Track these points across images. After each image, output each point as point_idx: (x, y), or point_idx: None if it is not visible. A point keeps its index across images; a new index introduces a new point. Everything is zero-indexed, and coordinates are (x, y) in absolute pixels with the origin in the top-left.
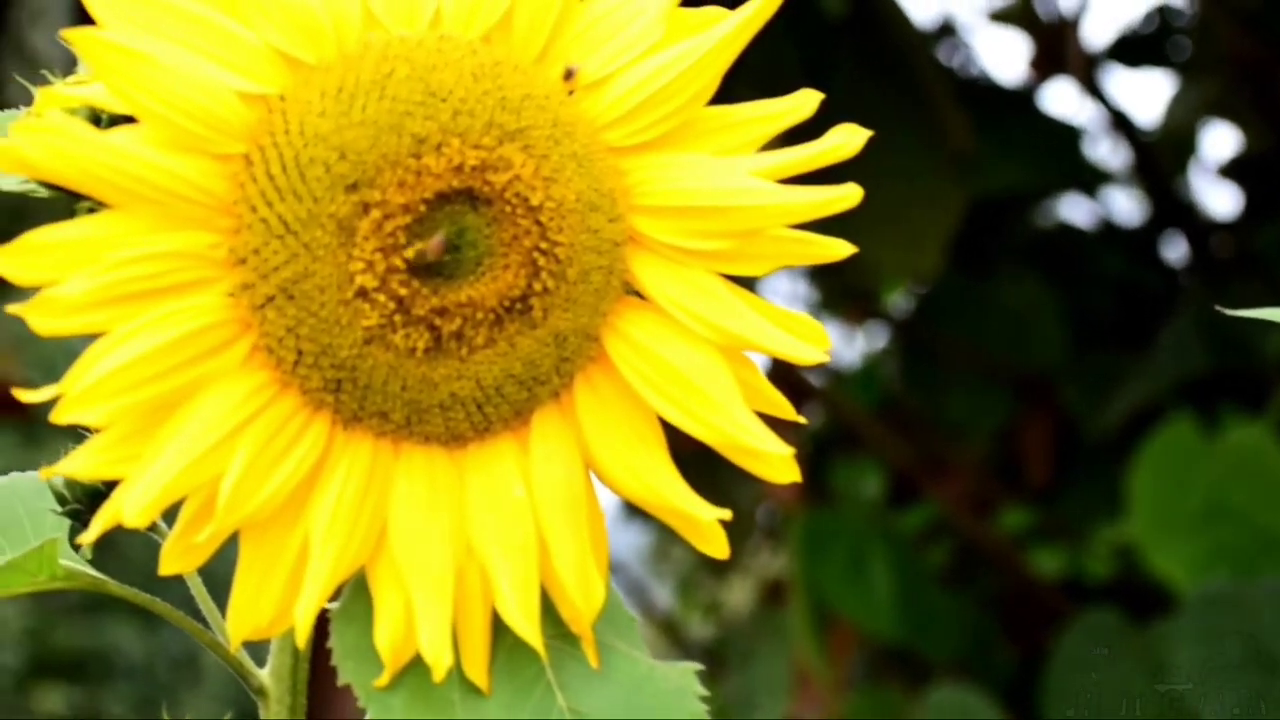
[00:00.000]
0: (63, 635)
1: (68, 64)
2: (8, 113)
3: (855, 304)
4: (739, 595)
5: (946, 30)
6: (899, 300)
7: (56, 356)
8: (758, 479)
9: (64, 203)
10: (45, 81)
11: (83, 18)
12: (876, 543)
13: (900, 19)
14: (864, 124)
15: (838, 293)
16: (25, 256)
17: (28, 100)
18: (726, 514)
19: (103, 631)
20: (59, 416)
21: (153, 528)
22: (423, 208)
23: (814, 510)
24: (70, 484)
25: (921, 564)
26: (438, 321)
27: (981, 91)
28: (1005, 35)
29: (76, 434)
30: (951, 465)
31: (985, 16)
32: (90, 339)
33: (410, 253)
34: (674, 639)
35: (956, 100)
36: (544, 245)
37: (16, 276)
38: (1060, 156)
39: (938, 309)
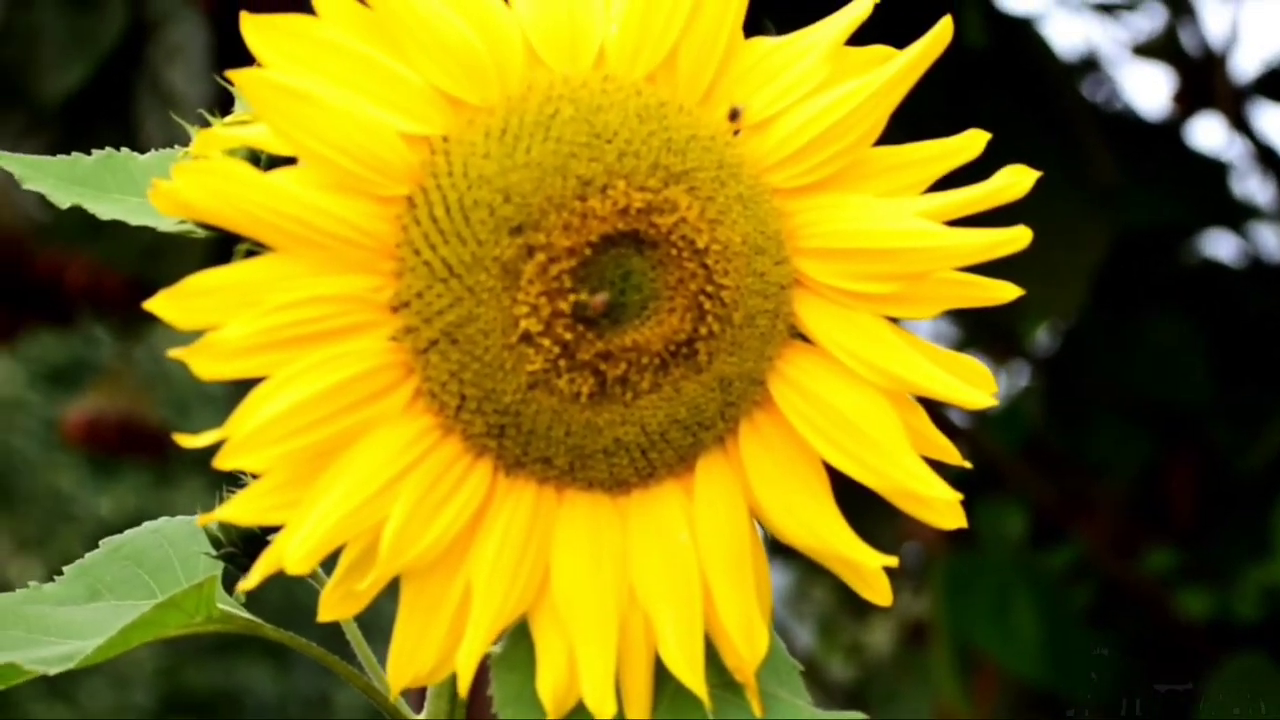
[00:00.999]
0: (194, 675)
1: (205, 102)
2: (164, 153)
3: (998, 342)
4: (880, 636)
5: (1090, 64)
6: (1042, 338)
7: (189, 397)
8: (904, 520)
9: (205, 244)
10: (181, 119)
11: (221, 56)
12: (1020, 584)
13: (1044, 51)
14: (1007, 158)
15: (981, 331)
16: (186, 300)
17: (164, 137)
18: (893, 561)
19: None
20: (222, 462)
21: (313, 575)
22: (588, 251)
23: (957, 551)
24: (225, 527)
25: (1066, 605)
26: (602, 366)
27: (1126, 126)
28: (1150, 69)
29: (210, 475)
30: (1096, 505)
31: (1129, 50)
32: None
33: (570, 302)
34: (815, 680)
35: (1100, 135)
36: (710, 289)
37: (177, 320)
38: (1206, 192)
39: (1081, 347)
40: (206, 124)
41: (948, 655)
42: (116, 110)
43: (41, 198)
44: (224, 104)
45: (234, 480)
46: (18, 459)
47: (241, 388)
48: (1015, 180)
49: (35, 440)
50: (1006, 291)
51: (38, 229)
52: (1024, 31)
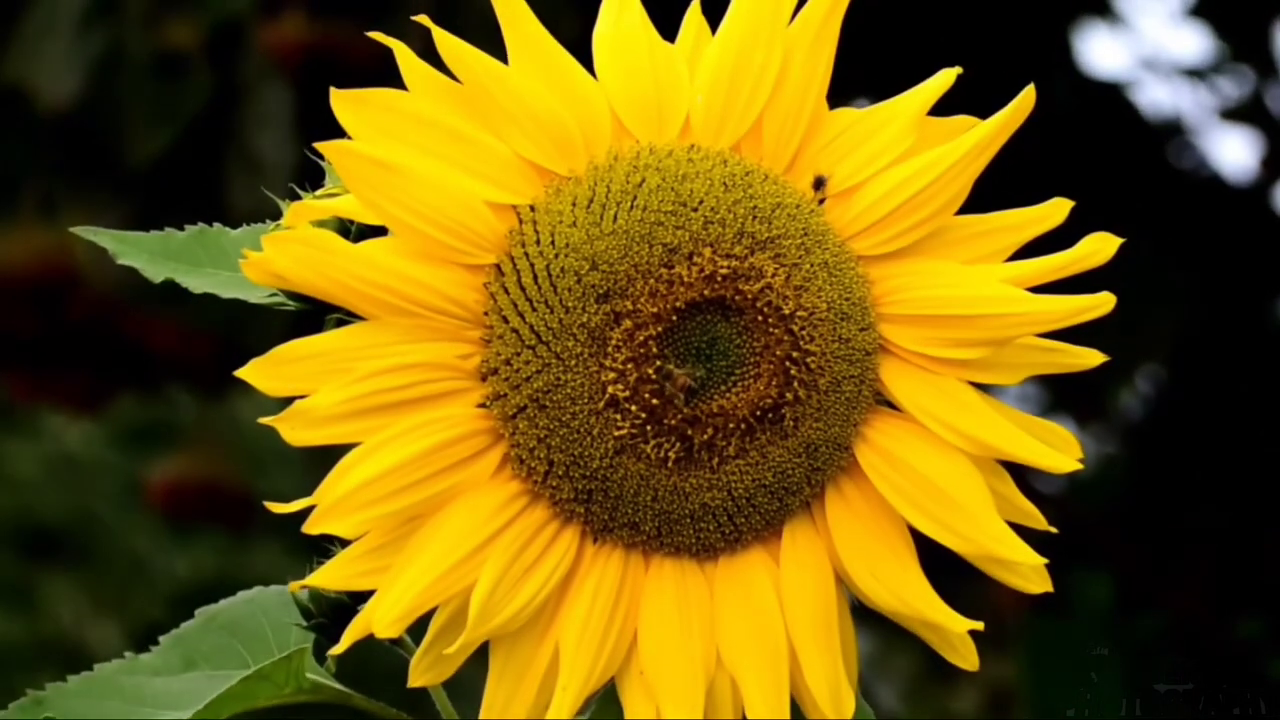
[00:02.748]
0: None
1: (292, 168)
2: (255, 227)
3: (1084, 407)
4: (966, 703)
5: (1177, 129)
6: (1129, 402)
7: (266, 459)
8: (990, 585)
9: (290, 311)
10: (269, 188)
11: (310, 123)
12: (1107, 652)
13: (1131, 116)
14: (1094, 221)
15: (1067, 395)
16: (277, 368)
17: (250, 204)
18: (979, 625)
19: None
20: (311, 528)
21: (397, 641)
22: (674, 317)
23: (1041, 618)
24: (316, 597)
25: (1154, 674)
26: (689, 431)
27: (1212, 190)
28: (1237, 134)
29: (289, 539)
30: (1186, 572)
31: (1215, 114)
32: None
33: (656, 367)
34: None
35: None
36: (796, 354)
37: (268, 387)
38: None
39: (1169, 412)
40: (295, 194)
41: None
42: (201, 177)
43: (125, 265)
44: (311, 170)
45: (313, 542)
46: (96, 520)
47: (320, 451)
48: (1099, 248)
49: (113, 502)
50: (1091, 358)
51: (126, 293)
52: (1111, 96)
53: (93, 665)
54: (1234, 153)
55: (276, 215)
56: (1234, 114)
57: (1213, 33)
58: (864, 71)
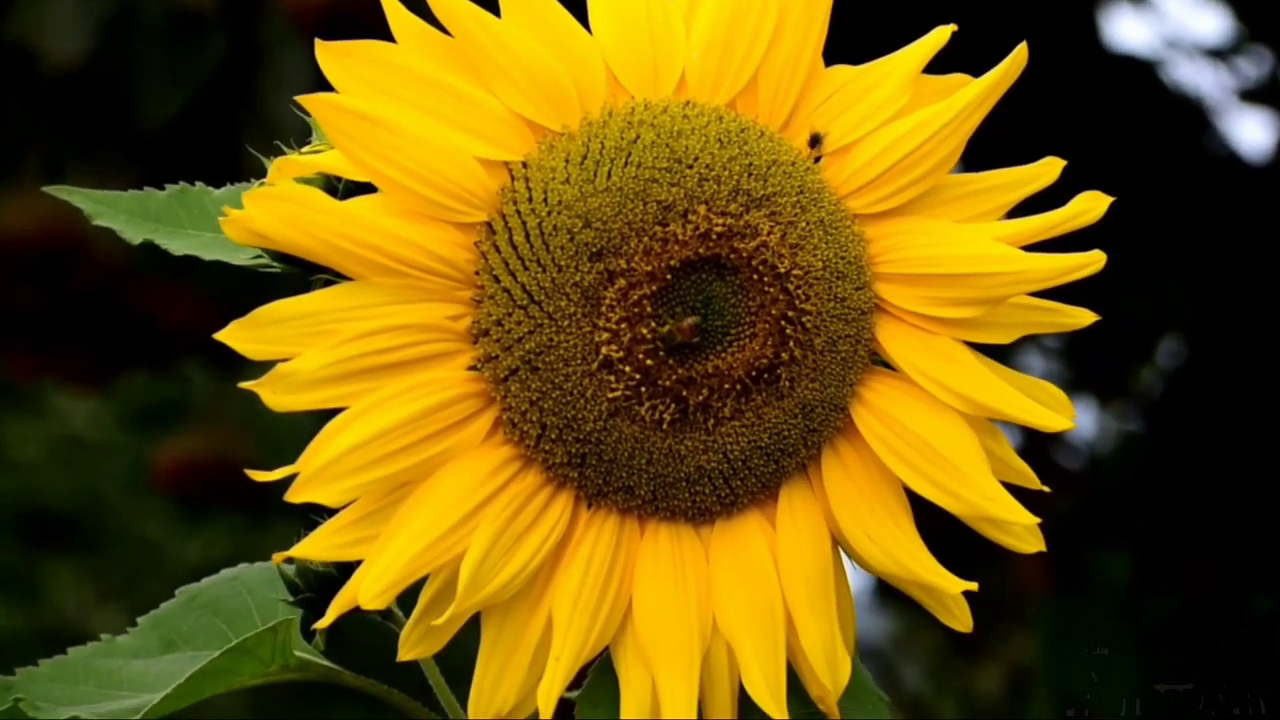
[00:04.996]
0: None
1: (309, 132)
2: (239, 186)
3: (1105, 385)
4: (990, 682)
5: (1197, 107)
6: (1150, 381)
7: (283, 438)
8: (1007, 561)
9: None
10: (280, 152)
11: (323, 85)
12: (1123, 631)
13: (1153, 91)
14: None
15: (1087, 374)
16: (259, 330)
17: (264, 172)
18: (973, 586)
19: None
20: (294, 496)
21: (388, 615)
22: (669, 276)
23: (1061, 596)
24: (302, 572)
25: (1171, 652)
26: (684, 392)
27: (1231, 168)
28: (1255, 114)
29: (307, 518)
30: (1204, 550)
31: (1234, 94)
32: (323, 416)
33: (662, 331)
34: None
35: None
36: (791, 314)
37: (249, 350)
38: None
39: (1190, 389)
40: (277, 154)
41: (1048, 703)
42: (216, 142)
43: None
44: None
45: (314, 523)
46: (103, 504)
47: None
48: (1090, 206)
49: (121, 484)
50: (1084, 317)
51: (135, 263)
52: (1136, 73)
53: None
54: (1253, 133)
55: None
56: (1252, 95)
57: (1231, 13)
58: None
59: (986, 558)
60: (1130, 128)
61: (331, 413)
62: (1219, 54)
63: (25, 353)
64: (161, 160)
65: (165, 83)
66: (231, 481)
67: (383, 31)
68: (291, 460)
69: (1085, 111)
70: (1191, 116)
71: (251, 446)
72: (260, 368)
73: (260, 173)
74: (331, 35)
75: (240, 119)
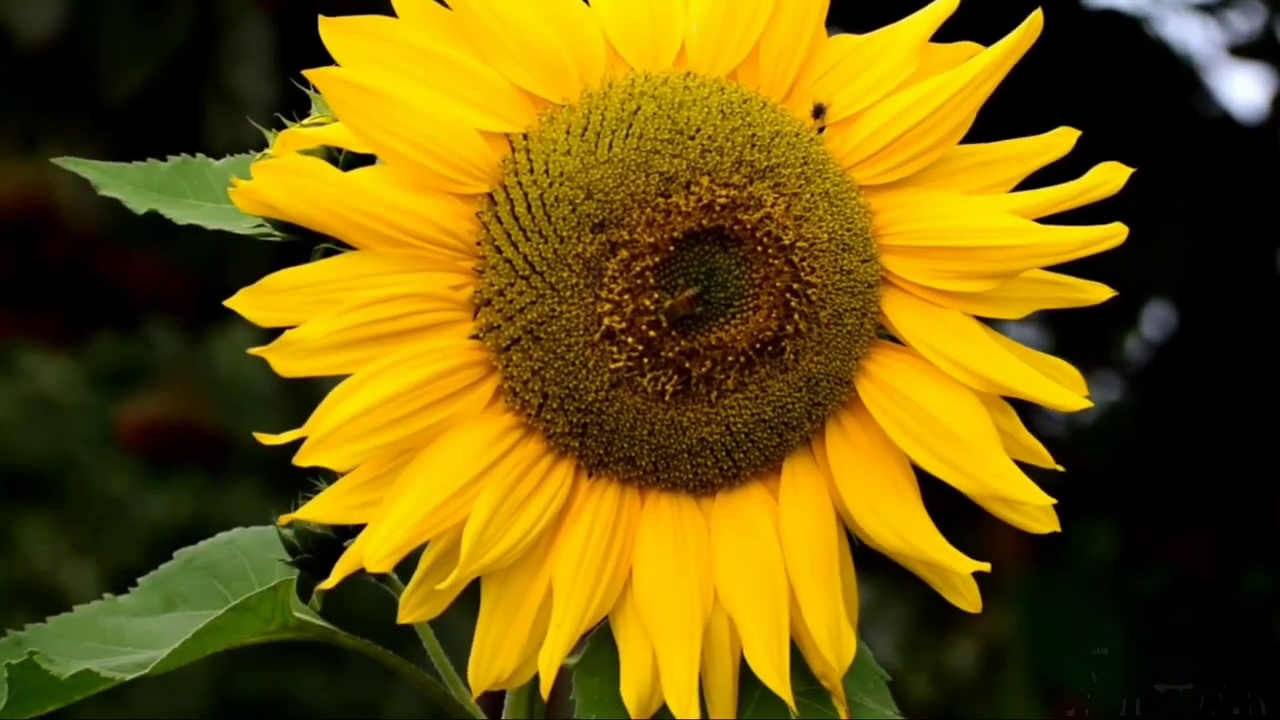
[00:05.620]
0: (246, 681)
1: (271, 103)
2: (240, 158)
3: (1089, 352)
4: (963, 658)
5: (1186, 64)
6: (1135, 349)
7: (241, 401)
8: (984, 533)
9: (273, 248)
10: (246, 123)
11: (290, 59)
12: (1108, 607)
13: (1138, 48)
14: (1099, 154)
15: (1072, 340)
16: (267, 297)
17: (229, 140)
18: (985, 567)
19: (287, 678)
20: (302, 459)
21: (384, 579)
22: (671, 248)
23: (1041, 570)
24: (302, 534)
25: (1158, 629)
26: (687, 364)
27: (1222, 127)
28: (1246, 70)
29: (265, 479)
30: (1192, 524)
31: (1226, 51)
32: (276, 379)
33: (665, 305)
34: (894, 697)
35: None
36: (796, 286)
37: (258, 317)
38: None
39: (1176, 358)
40: (278, 125)
41: (1025, 678)
42: (180, 113)
43: (108, 201)
44: (290, 105)
45: (289, 484)
46: (72, 461)
47: (296, 393)
48: (1108, 178)
49: (90, 442)
50: (1099, 292)
51: (104, 232)
52: (1121, 28)
53: (69, 607)
54: (1244, 90)
55: (254, 149)
56: (1244, 50)
57: None
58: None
59: (960, 528)
60: (1116, 85)
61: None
62: (1208, 8)
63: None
64: (128, 130)
65: (131, 55)
66: (194, 441)
67: (342, 3)
68: (249, 422)
69: (1069, 69)
70: (1180, 73)
71: (213, 408)
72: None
73: (224, 140)
74: (291, 8)
75: (202, 90)
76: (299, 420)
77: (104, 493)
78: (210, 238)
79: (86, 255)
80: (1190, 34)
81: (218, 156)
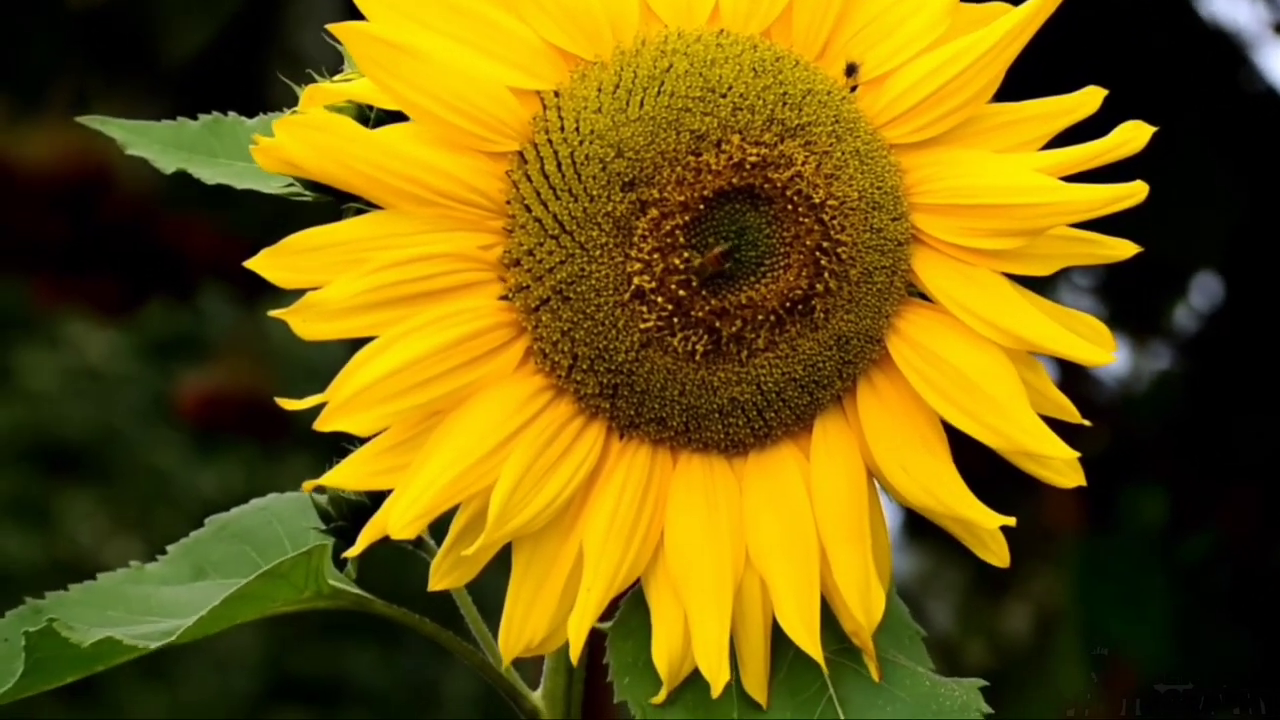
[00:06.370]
0: (298, 660)
1: (335, 65)
2: (272, 115)
3: (1139, 321)
4: (1017, 622)
5: (1234, 39)
6: (1184, 319)
7: (295, 373)
8: (1038, 500)
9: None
10: (310, 81)
11: (353, 16)
12: (1155, 570)
13: (1187, 21)
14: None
15: (1122, 310)
16: (289, 258)
17: (293, 101)
18: (1010, 521)
19: (340, 656)
20: (322, 424)
21: (419, 544)
22: (701, 206)
23: (1092, 536)
24: (335, 501)
25: (1202, 593)
26: (717, 323)
27: (1266, 103)
28: None
29: (317, 451)
30: (1239, 491)
31: (1272, 29)
32: (347, 345)
33: (695, 262)
34: (950, 663)
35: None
36: (826, 244)
37: (279, 278)
38: None
39: (1224, 326)
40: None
41: (1077, 643)
42: (242, 75)
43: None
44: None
45: (344, 453)
46: (117, 434)
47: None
48: (1132, 136)
49: (136, 415)
50: (1124, 248)
51: (161, 196)
52: (1166, 3)
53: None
54: None
55: None
56: None
57: None
58: None
59: (1016, 494)
60: (1165, 60)
61: (361, 342)
62: None
63: (50, 281)
64: (187, 93)
65: (190, 15)
66: (253, 413)
67: None
68: (309, 391)
69: (1118, 44)
70: (1228, 49)
71: (270, 379)
72: (286, 299)
73: (288, 104)
74: None
75: (266, 52)
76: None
77: (151, 467)
78: (269, 203)
79: (142, 220)
80: (1238, 11)
81: None
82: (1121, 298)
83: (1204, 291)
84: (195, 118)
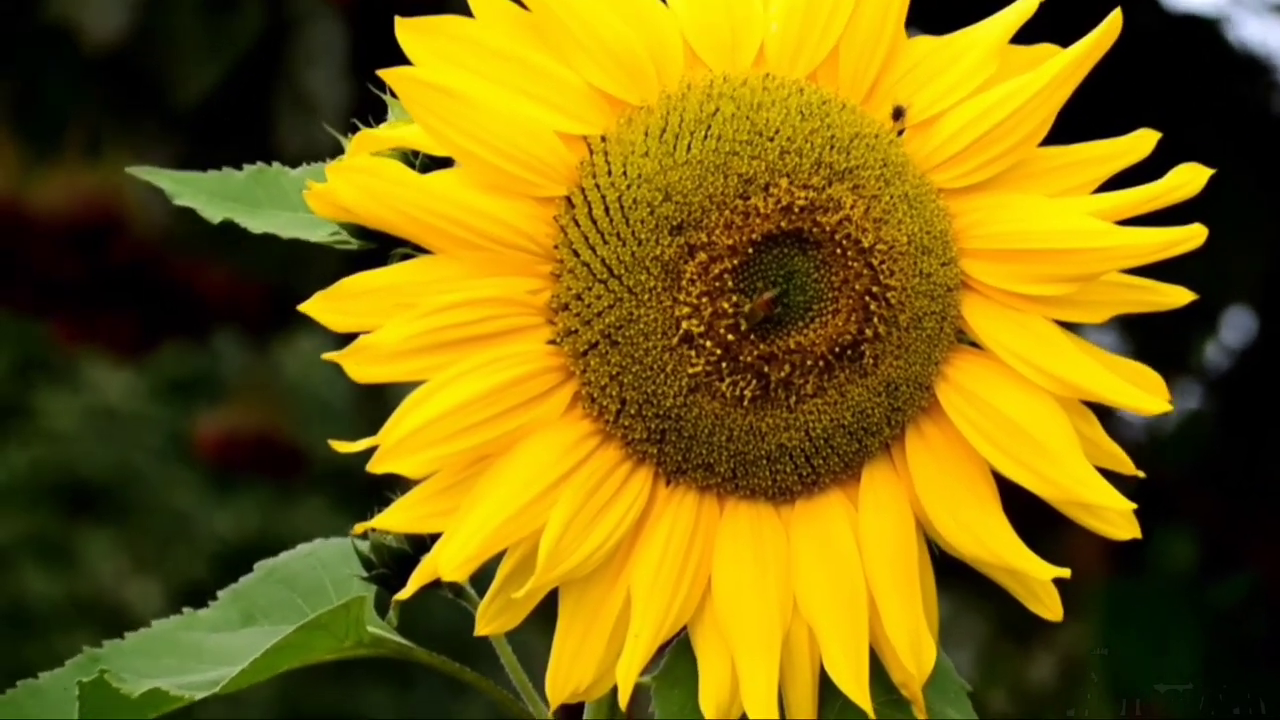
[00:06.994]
0: (312, 695)
1: (344, 105)
2: (316, 166)
3: (1167, 359)
4: (1042, 670)
5: (1265, 65)
6: (1214, 355)
7: (310, 412)
8: (1062, 542)
9: (343, 254)
10: (317, 123)
11: (363, 61)
12: (1185, 616)
13: (1219, 49)
14: (1179, 157)
15: (1150, 346)
16: (342, 302)
17: (301, 143)
18: (1065, 573)
19: (354, 693)
20: (375, 466)
21: (460, 593)
22: (750, 250)
23: (1119, 579)
24: (377, 548)
25: (1236, 641)
26: (766, 369)
27: None
28: None
29: (333, 493)
30: (1273, 534)
31: None
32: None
33: (744, 308)
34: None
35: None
36: (875, 289)
37: (333, 322)
38: None
39: (1256, 364)
40: (353, 129)
41: (1104, 692)
42: (251, 115)
43: (176, 206)
44: (364, 107)
45: (360, 496)
46: (137, 474)
47: (368, 403)
48: (1189, 179)
49: (154, 455)
50: (1179, 296)
51: (172, 237)
52: (1199, 30)
53: (133, 625)
54: None
55: (327, 153)
56: None
57: None
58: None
59: (1037, 538)
60: (1195, 87)
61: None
62: None
63: (66, 322)
64: (198, 133)
65: (201, 57)
66: (268, 453)
67: (415, 3)
68: (321, 432)
69: (1148, 72)
70: (1260, 75)
71: (285, 419)
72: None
73: (296, 143)
74: (364, 9)
75: (273, 92)
76: (371, 431)
77: (169, 506)
78: (280, 244)
79: (155, 262)
80: (1270, 35)
81: (289, 159)
82: (1147, 333)
83: (1235, 327)
84: (209, 157)
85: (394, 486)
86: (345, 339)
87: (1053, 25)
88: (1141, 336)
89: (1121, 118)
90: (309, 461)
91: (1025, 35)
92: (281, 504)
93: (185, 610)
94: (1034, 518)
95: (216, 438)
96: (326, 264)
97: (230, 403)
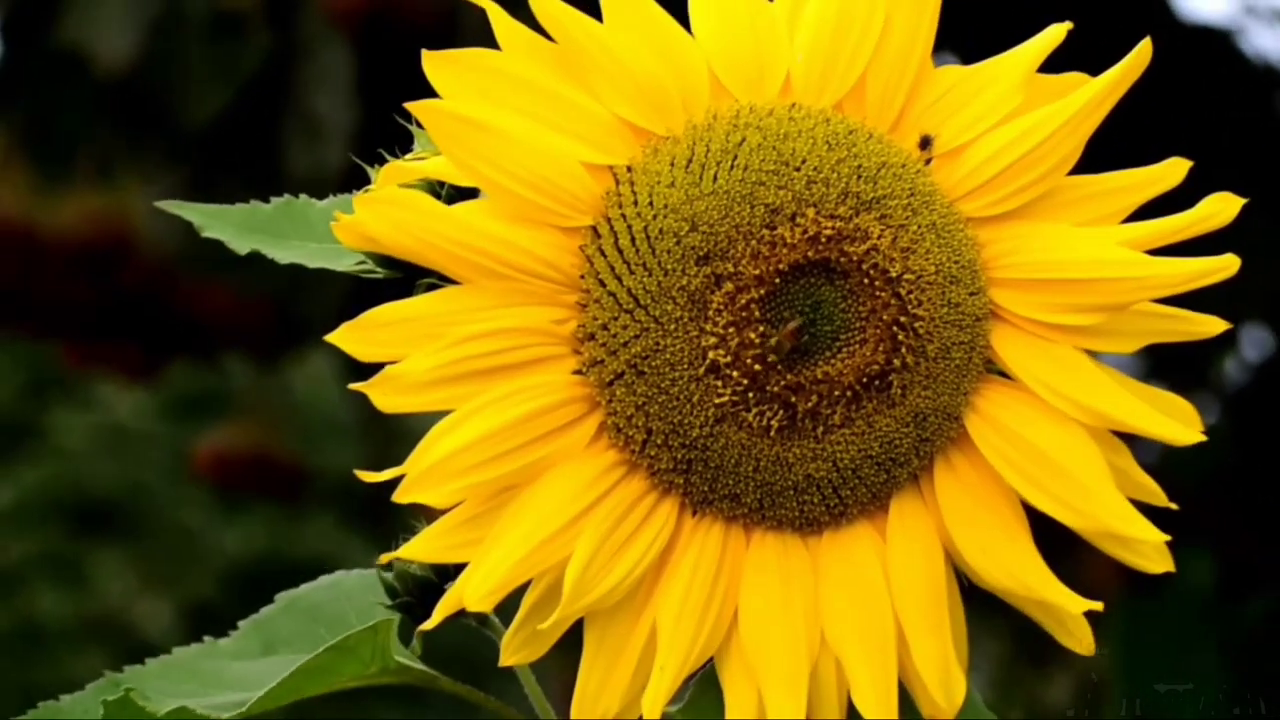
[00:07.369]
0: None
1: (351, 129)
2: (342, 197)
3: (1183, 375)
4: (1059, 692)
5: (1275, 75)
6: (1232, 371)
7: (317, 431)
8: (1076, 563)
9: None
10: (328, 150)
11: (370, 85)
12: (1206, 637)
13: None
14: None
15: (1165, 363)
16: (369, 332)
17: (308, 166)
18: (1097, 606)
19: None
20: (401, 496)
21: (485, 622)
22: (777, 280)
23: (1135, 600)
24: (401, 577)
25: (1258, 663)
26: (793, 398)
27: None
28: None
29: (341, 513)
30: None
31: None
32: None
33: (770, 339)
34: None
35: None
36: (903, 319)
37: (359, 352)
38: None
39: (1272, 381)
40: (379, 160)
41: (1122, 715)
42: (258, 139)
43: (183, 229)
44: (371, 130)
45: (368, 517)
46: (146, 493)
47: (375, 425)
48: (1221, 209)
49: (163, 474)
50: (1212, 325)
51: (176, 260)
52: (1213, 44)
53: (142, 643)
54: None
55: (335, 178)
56: None
57: None
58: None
59: (1052, 558)
60: (1208, 100)
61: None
62: None
63: (76, 344)
64: (206, 156)
65: (209, 81)
66: (270, 473)
67: (422, 29)
68: (327, 452)
69: (1164, 86)
70: (1273, 85)
71: (289, 439)
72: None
73: (303, 167)
74: (371, 34)
75: (281, 116)
76: (376, 451)
77: (178, 525)
78: (283, 271)
79: (162, 285)
80: None
81: (297, 182)
82: (1163, 349)
83: (1253, 343)
84: (217, 180)
85: (407, 509)
86: (363, 365)
87: (1080, 54)
88: (1157, 352)
89: (1136, 131)
90: (314, 481)
91: (1053, 64)
92: (289, 523)
93: (205, 639)
94: (1050, 540)
95: (214, 457)
96: (335, 285)
97: (229, 422)
